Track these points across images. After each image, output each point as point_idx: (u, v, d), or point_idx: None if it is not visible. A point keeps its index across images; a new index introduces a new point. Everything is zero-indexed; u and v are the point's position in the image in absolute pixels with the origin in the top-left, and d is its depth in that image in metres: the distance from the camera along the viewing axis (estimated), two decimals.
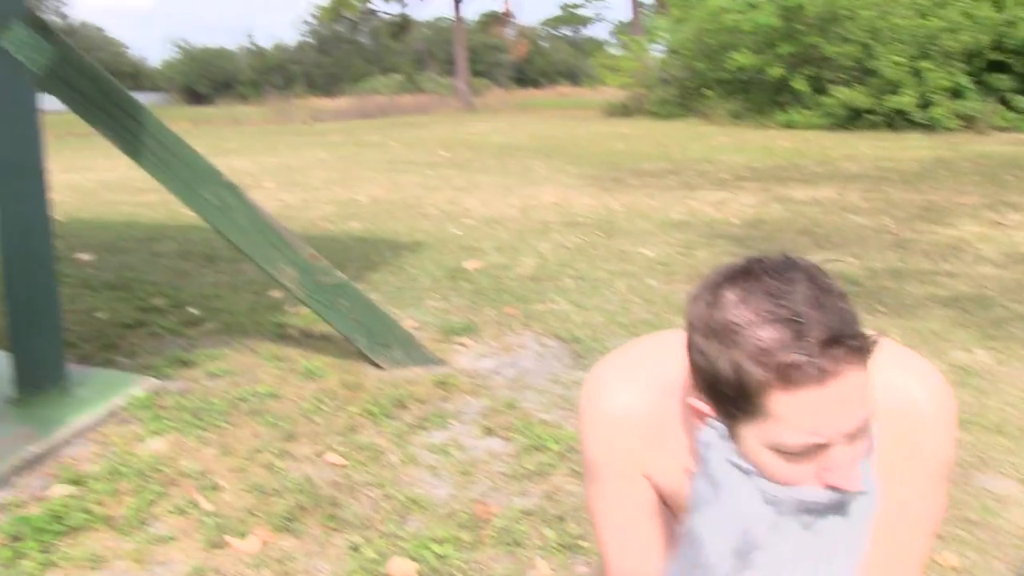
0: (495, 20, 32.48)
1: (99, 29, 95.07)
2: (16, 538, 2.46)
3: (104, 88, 3.32)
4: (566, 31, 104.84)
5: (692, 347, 1.05)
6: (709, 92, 19.68)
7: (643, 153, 13.64)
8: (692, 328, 1.04)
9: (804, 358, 0.96)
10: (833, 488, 1.03)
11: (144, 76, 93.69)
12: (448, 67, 41.90)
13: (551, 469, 2.89)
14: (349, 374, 3.72)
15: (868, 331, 1.01)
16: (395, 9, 33.14)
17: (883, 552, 1.17)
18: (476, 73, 42.12)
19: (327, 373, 3.73)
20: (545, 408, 3.38)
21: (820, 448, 1.01)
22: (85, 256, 6.22)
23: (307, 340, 4.20)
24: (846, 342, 0.98)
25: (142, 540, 2.49)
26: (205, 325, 4.50)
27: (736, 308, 0.99)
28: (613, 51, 30.49)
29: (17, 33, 3.13)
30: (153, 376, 3.63)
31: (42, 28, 3.19)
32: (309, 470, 2.89)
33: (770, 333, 0.97)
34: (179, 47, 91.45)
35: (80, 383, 3.46)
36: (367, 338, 3.77)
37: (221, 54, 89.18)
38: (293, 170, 12.68)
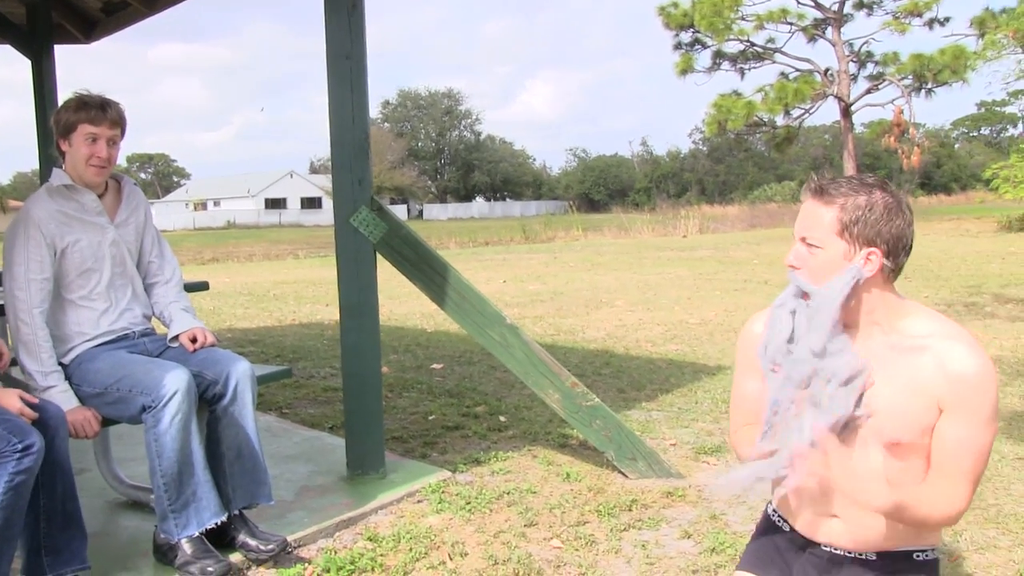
0: (884, 131, 31.83)
1: (507, 142, 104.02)
2: (325, 571, 3.55)
3: (420, 252, 4.50)
4: (985, 131, 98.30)
5: None
6: None
7: (1018, 276, 13.19)
8: None
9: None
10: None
11: (545, 185, 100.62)
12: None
13: (720, 569, 3.53)
14: (599, 480, 4.55)
15: (838, 194, 1.98)
16: (782, 121, 33.42)
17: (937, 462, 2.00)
18: None
19: (583, 478, 4.59)
20: (743, 522, 3.99)
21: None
22: (437, 366, 7.60)
23: (581, 450, 5.08)
24: (817, 187, 2.01)
25: None
26: (507, 432, 5.54)
27: None
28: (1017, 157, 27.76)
29: (362, 214, 4.41)
30: (450, 470, 4.70)
31: (379, 210, 4.44)
32: (533, 550, 3.75)
33: None
34: (576, 156, 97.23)
35: (394, 470, 4.62)
36: (616, 452, 4.60)
37: (616, 162, 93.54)
38: (649, 287, 13.78)
